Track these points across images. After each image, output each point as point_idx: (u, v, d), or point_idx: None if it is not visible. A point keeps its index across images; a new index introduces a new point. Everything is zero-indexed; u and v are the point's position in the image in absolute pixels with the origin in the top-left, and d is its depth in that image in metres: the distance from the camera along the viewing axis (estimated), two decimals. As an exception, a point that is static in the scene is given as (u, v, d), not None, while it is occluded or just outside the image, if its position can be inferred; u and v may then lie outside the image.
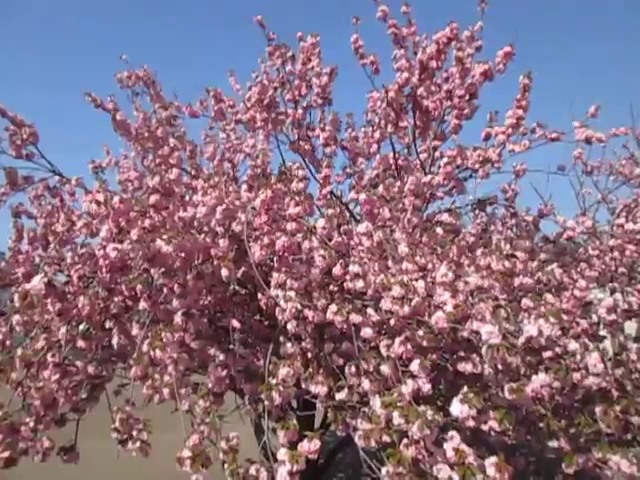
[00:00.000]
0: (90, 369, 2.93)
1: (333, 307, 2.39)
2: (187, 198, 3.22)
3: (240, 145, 4.86)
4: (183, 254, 2.63)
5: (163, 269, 2.64)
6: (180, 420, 2.54)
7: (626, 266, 4.40)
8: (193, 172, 4.02)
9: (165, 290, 2.71)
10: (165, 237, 2.53)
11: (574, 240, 3.92)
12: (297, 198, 2.52)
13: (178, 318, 2.68)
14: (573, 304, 2.96)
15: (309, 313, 2.41)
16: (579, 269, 3.67)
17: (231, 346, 3.01)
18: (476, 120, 3.89)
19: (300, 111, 3.83)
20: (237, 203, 2.94)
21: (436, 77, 3.72)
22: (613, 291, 3.62)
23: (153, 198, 2.76)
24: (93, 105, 4.00)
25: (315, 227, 2.55)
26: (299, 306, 2.40)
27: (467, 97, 3.53)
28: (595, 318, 3.24)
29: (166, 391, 2.62)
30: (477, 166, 3.48)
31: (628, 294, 3.56)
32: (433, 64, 3.38)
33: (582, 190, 6.78)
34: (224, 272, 2.53)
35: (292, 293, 2.44)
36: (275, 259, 2.69)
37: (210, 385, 2.86)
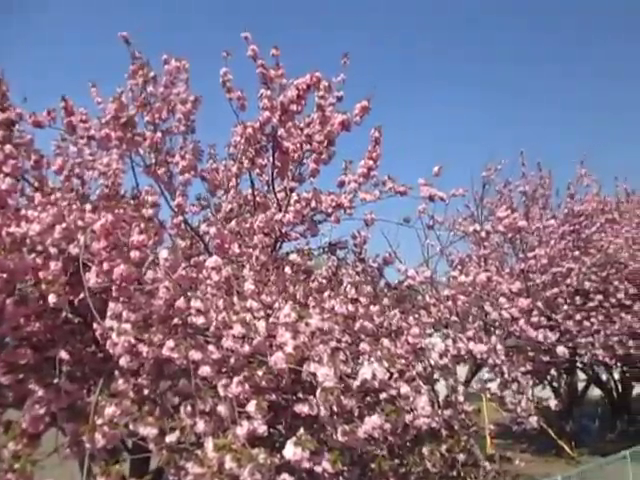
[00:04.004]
0: None
1: (170, 343, 2.27)
2: (24, 212, 2.91)
3: (93, 162, 4.55)
4: (5, 274, 2.35)
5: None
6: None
7: (459, 315, 4.82)
8: (37, 184, 3.67)
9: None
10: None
11: (414, 288, 4.20)
12: (142, 225, 2.39)
13: (-10, 347, 2.37)
14: (407, 349, 3.13)
15: (143, 348, 2.27)
16: (417, 315, 3.92)
17: (56, 380, 2.72)
18: (334, 166, 4.07)
19: (159, 135, 3.70)
20: (80, 223, 2.72)
21: (299, 121, 3.84)
22: (446, 337, 3.92)
23: (-24, 209, 2.45)
24: None
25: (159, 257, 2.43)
26: (132, 340, 2.25)
27: (325, 143, 3.68)
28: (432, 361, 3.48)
29: (-31, 431, 2.28)
30: (330, 210, 3.61)
31: (459, 340, 3.88)
32: (293, 107, 3.49)
33: (426, 241, 7.39)
34: (52, 298, 2.30)
35: (127, 326, 2.28)
36: (114, 288, 2.51)
37: (25, 424, 2.54)
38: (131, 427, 2.39)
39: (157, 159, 3.74)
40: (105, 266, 2.47)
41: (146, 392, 2.73)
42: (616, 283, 9.72)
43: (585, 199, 10.65)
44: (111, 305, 2.43)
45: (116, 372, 2.63)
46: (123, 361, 2.36)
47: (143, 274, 2.57)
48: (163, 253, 2.39)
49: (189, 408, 2.46)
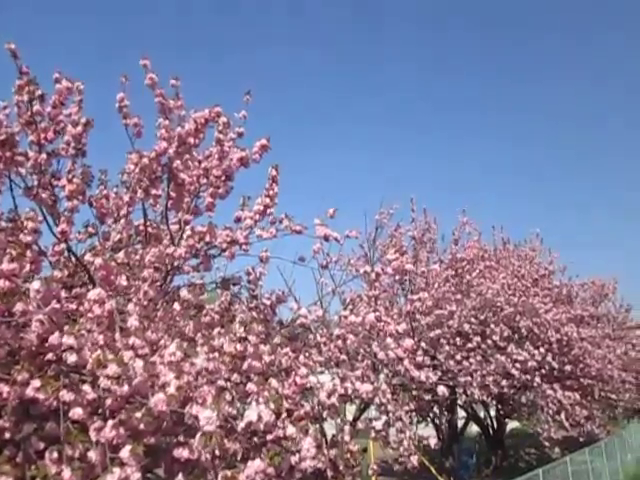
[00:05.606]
0: None
1: (36, 382, 2.08)
2: None
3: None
4: None
5: None
6: None
7: (349, 354, 4.88)
8: None
9: None
10: None
11: (307, 326, 4.21)
12: (14, 252, 2.19)
13: None
14: (294, 390, 3.10)
15: (4, 388, 2.05)
16: (307, 354, 3.92)
17: None
18: (233, 201, 4.04)
19: (44, 156, 3.45)
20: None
21: (198, 153, 3.78)
22: (336, 376, 3.95)
23: None
24: None
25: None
26: (-8, 379, 2.03)
27: (223, 178, 3.66)
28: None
29: None
30: (225, 246, 3.56)
31: (347, 380, 3.92)
32: (191, 140, 3.45)
33: (321, 280, 7.47)
34: None
35: (-13, 362, 2.06)
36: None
37: None
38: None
39: (40, 181, 3.48)
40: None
41: (7, 435, 2.47)
42: (492, 326, 10.44)
43: (467, 245, 11.47)
44: (-29, 339, 2.19)
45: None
46: (-20, 402, 2.13)
47: (12, 306, 2.35)
48: (35, 284, 2.20)
49: (55, 454, 2.25)
